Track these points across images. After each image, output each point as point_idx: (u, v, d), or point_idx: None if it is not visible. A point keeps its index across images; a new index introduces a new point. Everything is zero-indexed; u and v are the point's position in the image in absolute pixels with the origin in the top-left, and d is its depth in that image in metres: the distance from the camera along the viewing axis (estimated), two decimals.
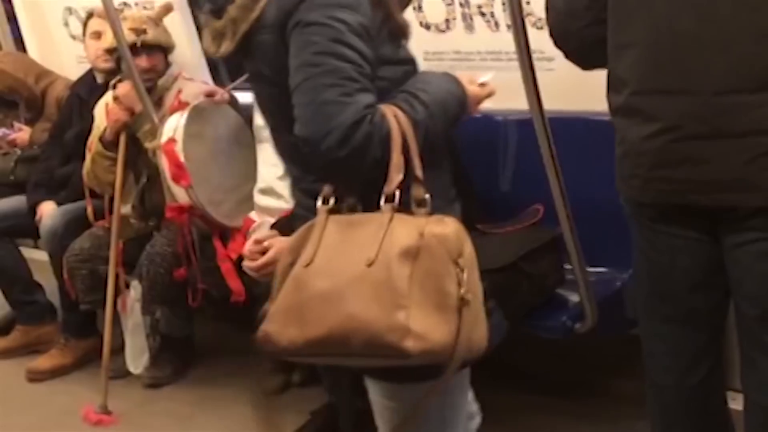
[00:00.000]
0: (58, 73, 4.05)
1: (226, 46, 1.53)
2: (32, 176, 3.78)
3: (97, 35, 3.57)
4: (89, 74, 3.76)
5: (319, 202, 1.46)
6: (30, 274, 3.80)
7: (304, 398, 3.13)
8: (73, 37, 4.07)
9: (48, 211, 3.61)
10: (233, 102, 3.29)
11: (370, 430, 2.78)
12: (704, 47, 1.68)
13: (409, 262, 1.34)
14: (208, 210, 3.02)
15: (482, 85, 1.64)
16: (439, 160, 1.56)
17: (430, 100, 1.48)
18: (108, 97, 3.31)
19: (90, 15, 3.61)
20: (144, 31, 3.18)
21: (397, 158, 1.42)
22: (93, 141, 3.32)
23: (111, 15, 2.91)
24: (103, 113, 3.31)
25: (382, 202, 1.41)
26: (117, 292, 3.25)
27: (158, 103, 3.23)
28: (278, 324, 1.40)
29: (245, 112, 3.28)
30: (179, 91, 3.23)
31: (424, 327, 1.32)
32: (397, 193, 1.41)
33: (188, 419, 3.16)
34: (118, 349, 3.37)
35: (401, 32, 1.55)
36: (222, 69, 3.76)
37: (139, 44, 3.15)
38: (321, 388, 2.98)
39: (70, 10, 4.01)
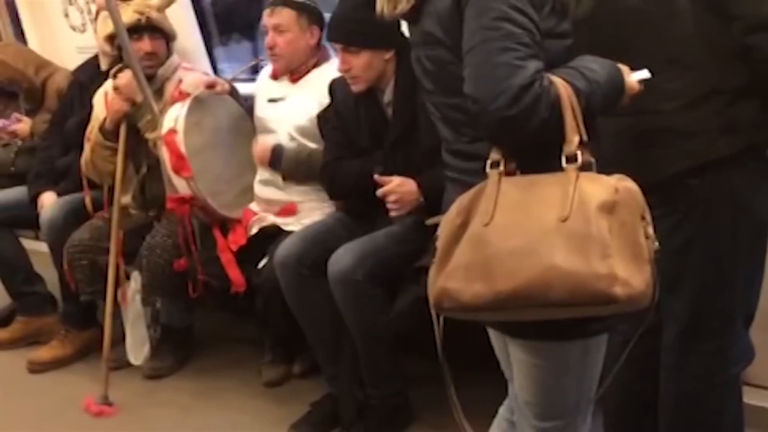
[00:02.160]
0: (58, 64, 4.05)
1: (403, 6, 1.63)
2: (33, 166, 3.78)
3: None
4: (93, 60, 3.74)
5: (488, 166, 1.52)
6: (30, 265, 3.80)
7: (304, 389, 3.13)
8: (73, 28, 4.07)
9: (48, 202, 3.61)
10: (234, 93, 3.28)
11: (369, 421, 2.81)
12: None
13: (606, 215, 1.42)
14: (208, 201, 3.02)
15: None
16: (591, 138, 1.60)
17: (593, 79, 1.54)
18: (107, 86, 3.31)
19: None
20: (148, 13, 3.18)
21: (570, 120, 1.49)
22: (92, 131, 3.31)
23: (110, 2, 2.89)
24: (102, 102, 3.30)
25: (563, 162, 1.48)
26: (117, 283, 3.26)
27: (158, 92, 3.23)
28: (458, 280, 1.47)
29: (246, 103, 3.27)
30: (180, 81, 3.22)
31: (627, 275, 1.40)
32: (579, 153, 1.48)
33: (189, 410, 3.15)
34: (119, 340, 3.37)
35: (563, 9, 1.62)
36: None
37: (143, 22, 3.14)
38: (321, 380, 2.98)
39: (70, 1, 4.01)
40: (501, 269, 1.43)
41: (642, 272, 1.42)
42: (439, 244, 1.53)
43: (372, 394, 2.79)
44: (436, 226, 1.58)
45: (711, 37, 1.81)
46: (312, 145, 3.00)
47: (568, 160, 1.48)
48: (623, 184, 1.47)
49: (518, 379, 1.73)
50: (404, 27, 1.97)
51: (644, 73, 1.65)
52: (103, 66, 3.60)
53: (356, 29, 2.59)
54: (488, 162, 1.53)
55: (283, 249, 2.76)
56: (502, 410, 1.98)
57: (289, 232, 2.92)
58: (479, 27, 1.49)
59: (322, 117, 2.93)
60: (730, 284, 1.93)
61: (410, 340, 2.80)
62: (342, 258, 2.64)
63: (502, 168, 1.52)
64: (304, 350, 3.13)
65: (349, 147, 2.80)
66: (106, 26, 3.23)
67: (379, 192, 2.57)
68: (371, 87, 2.70)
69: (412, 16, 1.65)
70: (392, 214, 2.60)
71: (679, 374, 2.06)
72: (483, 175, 1.55)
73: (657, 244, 1.46)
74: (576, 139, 1.49)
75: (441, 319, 1.59)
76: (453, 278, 1.48)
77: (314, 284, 2.71)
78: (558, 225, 1.42)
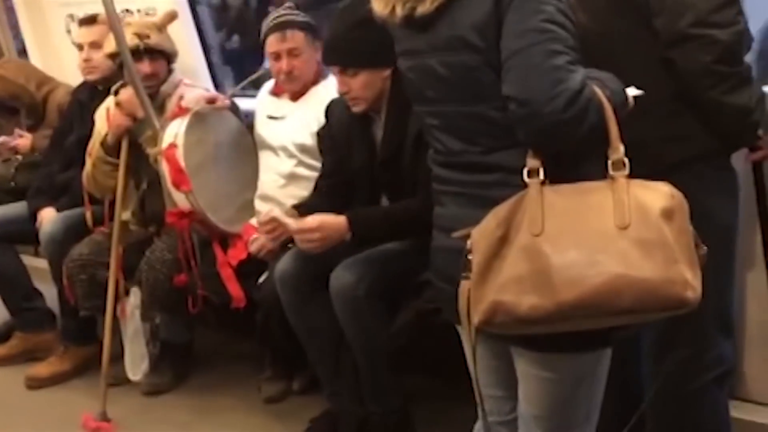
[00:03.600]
0: (59, 79, 4.05)
1: (425, 8, 1.58)
2: (33, 182, 3.78)
3: (79, 47, 3.60)
4: None
5: (526, 175, 1.51)
6: (30, 281, 3.79)
7: (303, 406, 3.12)
8: (75, 44, 4.07)
9: (48, 217, 3.60)
10: (234, 108, 3.29)
11: None
12: None
13: (667, 221, 1.45)
14: (208, 216, 3.01)
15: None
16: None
17: (611, 89, 1.56)
18: (109, 102, 3.32)
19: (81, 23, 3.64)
20: (147, 36, 3.18)
21: (614, 127, 1.51)
22: (93, 146, 3.32)
23: (113, 20, 2.91)
24: (104, 118, 3.31)
25: (610, 170, 1.49)
26: (117, 298, 3.25)
27: (160, 109, 3.23)
28: (513, 293, 1.45)
29: (246, 119, 3.28)
30: (180, 97, 3.23)
31: (693, 279, 1.44)
32: (626, 160, 1.49)
33: (188, 427, 3.14)
34: (118, 356, 3.35)
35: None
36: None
37: (142, 47, 3.15)
38: (321, 396, 2.97)
39: (72, 17, 4.02)
40: (562, 279, 1.42)
41: (698, 276, 1.46)
42: (477, 257, 1.50)
43: (372, 410, 2.78)
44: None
45: (646, 50, 1.89)
46: (312, 162, 3.00)
47: (614, 167, 1.49)
48: (676, 190, 1.49)
49: (526, 394, 1.70)
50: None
51: (636, 91, 1.66)
52: (100, 85, 3.59)
53: (353, 50, 2.53)
54: (526, 170, 1.50)
55: (284, 264, 2.75)
56: None
57: (289, 248, 2.91)
58: (527, 29, 1.47)
59: (321, 135, 2.93)
60: None
61: (411, 356, 2.80)
62: (343, 273, 2.63)
63: (542, 176, 1.50)
64: (304, 366, 3.11)
65: (342, 169, 2.78)
66: (109, 44, 3.24)
67: (301, 227, 2.50)
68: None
69: (430, 20, 1.59)
70: (306, 248, 2.53)
71: (655, 382, 2.09)
72: (502, 187, 1.54)
73: (705, 249, 1.49)
74: (621, 146, 1.50)
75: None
76: (507, 291, 1.45)
77: (314, 300, 2.70)
78: (619, 232, 1.43)
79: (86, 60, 3.57)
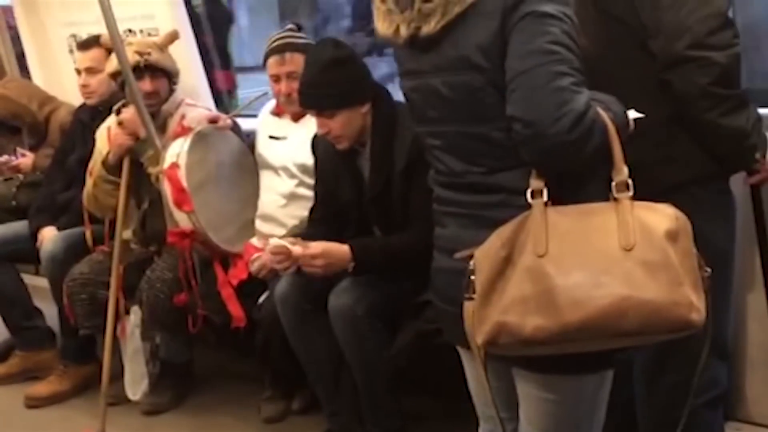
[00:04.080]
0: (62, 99, 4.07)
1: (430, 28, 1.57)
2: (34, 201, 3.79)
3: (77, 71, 3.62)
4: None
5: (530, 196, 1.51)
6: (30, 300, 3.79)
7: (304, 425, 3.11)
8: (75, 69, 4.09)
9: (49, 236, 3.60)
10: (236, 128, 3.30)
11: None
12: None
13: (672, 243, 1.45)
14: (209, 235, 3.01)
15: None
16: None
17: (614, 111, 1.57)
18: (110, 121, 3.33)
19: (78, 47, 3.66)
20: (148, 54, 3.19)
21: (618, 149, 1.51)
22: (94, 165, 3.32)
23: (115, 38, 2.92)
24: (105, 137, 3.31)
25: (613, 192, 1.49)
26: (117, 318, 3.24)
27: (162, 128, 3.24)
28: (517, 314, 1.44)
29: (248, 139, 3.29)
30: (182, 117, 3.24)
31: (697, 302, 1.44)
32: (630, 182, 1.49)
33: None
34: (118, 375, 3.34)
35: None
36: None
37: (142, 65, 3.16)
38: (321, 416, 2.96)
39: (75, 37, 4.03)
40: (566, 301, 1.41)
41: (702, 299, 1.46)
42: (481, 277, 1.49)
43: (372, 430, 2.77)
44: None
45: (642, 72, 1.91)
46: (312, 182, 3.01)
47: (618, 189, 1.49)
48: (680, 212, 1.49)
49: (528, 415, 1.70)
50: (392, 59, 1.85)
51: (637, 113, 1.66)
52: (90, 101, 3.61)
53: (326, 93, 2.52)
54: (529, 191, 1.51)
55: (284, 284, 2.75)
56: None
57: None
58: (533, 50, 1.47)
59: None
60: None
61: (410, 377, 2.79)
62: (342, 293, 2.63)
63: (545, 197, 1.50)
64: (304, 386, 3.11)
65: (331, 202, 2.79)
66: (111, 64, 3.26)
67: (305, 253, 2.51)
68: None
69: (434, 40, 1.59)
70: (313, 273, 2.54)
71: (647, 406, 2.10)
72: (504, 208, 1.54)
73: (709, 271, 1.49)
74: (625, 168, 1.50)
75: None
76: (511, 312, 1.45)
77: (314, 320, 2.70)
78: (623, 254, 1.43)
79: (84, 85, 3.61)
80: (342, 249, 2.53)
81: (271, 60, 3.00)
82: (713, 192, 2.00)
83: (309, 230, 2.83)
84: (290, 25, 3.08)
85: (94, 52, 3.58)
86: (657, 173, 1.90)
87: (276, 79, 3.02)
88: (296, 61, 2.95)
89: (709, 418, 2.11)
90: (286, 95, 3.02)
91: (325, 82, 2.52)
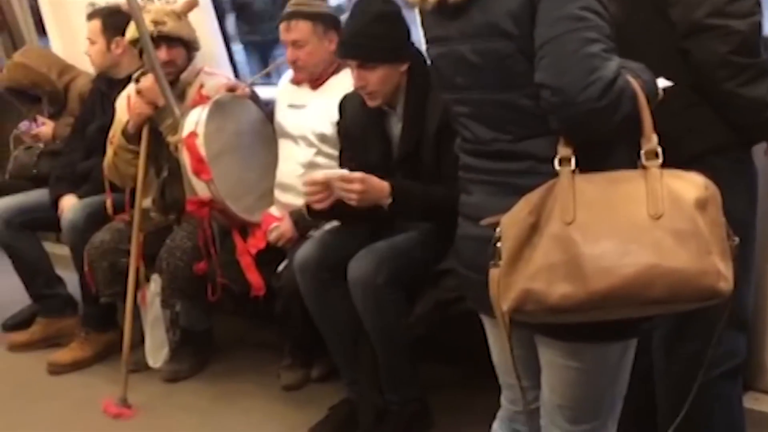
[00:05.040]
0: (81, 68, 4.07)
1: None
2: (55, 170, 3.81)
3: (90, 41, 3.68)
4: None
5: (558, 163, 1.49)
6: (52, 268, 3.83)
7: (323, 393, 3.13)
8: None
9: (69, 204, 3.63)
10: (254, 97, 3.29)
11: (388, 426, 2.80)
12: None
13: (701, 212, 1.44)
14: (228, 204, 3.02)
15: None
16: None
17: (644, 79, 1.55)
18: (130, 90, 3.33)
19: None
20: (163, 23, 3.18)
21: (647, 117, 1.50)
22: (115, 134, 3.33)
23: (133, 7, 2.91)
24: (125, 106, 3.32)
25: (642, 159, 1.48)
26: (137, 286, 3.27)
27: (180, 97, 3.23)
28: (544, 282, 1.44)
29: (267, 108, 3.28)
30: (201, 86, 3.24)
31: (725, 271, 1.44)
32: (659, 150, 1.48)
33: (207, 413, 3.16)
34: (138, 342, 3.39)
35: None
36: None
37: (155, 35, 3.14)
38: (340, 384, 2.98)
39: (93, 6, 4.03)
40: (593, 268, 1.41)
41: (730, 268, 1.45)
42: (508, 244, 1.49)
43: (391, 399, 2.78)
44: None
45: (662, 41, 1.87)
46: (331, 152, 2.99)
47: (647, 157, 1.48)
48: (709, 181, 1.48)
49: (550, 383, 1.70)
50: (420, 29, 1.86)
51: (667, 82, 1.64)
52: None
53: (372, 45, 2.51)
54: (557, 159, 1.49)
55: (303, 253, 2.76)
56: (496, 426, 1.93)
57: (308, 236, 2.92)
58: (562, 16, 1.46)
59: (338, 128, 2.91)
60: None
61: (429, 346, 2.80)
62: (362, 262, 2.63)
63: (573, 165, 1.48)
64: (323, 354, 3.12)
65: (358, 164, 2.76)
66: (130, 31, 3.26)
67: (345, 176, 2.45)
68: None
69: (463, 6, 1.57)
70: (348, 198, 2.44)
71: (665, 375, 2.09)
72: (532, 176, 1.53)
73: (737, 240, 1.48)
74: (655, 136, 1.49)
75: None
76: (538, 279, 1.44)
77: (333, 288, 2.71)
78: (652, 222, 1.42)
79: (87, 54, 3.70)
80: (382, 182, 2.47)
81: (281, 27, 2.99)
82: (733, 162, 1.97)
83: None
84: None
85: (92, 24, 3.66)
86: (678, 143, 1.86)
87: (286, 46, 3.01)
88: (301, 30, 2.92)
89: (727, 389, 2.10)
90: (291, 62, 3.00)
91: (371, 34, 2.50)
